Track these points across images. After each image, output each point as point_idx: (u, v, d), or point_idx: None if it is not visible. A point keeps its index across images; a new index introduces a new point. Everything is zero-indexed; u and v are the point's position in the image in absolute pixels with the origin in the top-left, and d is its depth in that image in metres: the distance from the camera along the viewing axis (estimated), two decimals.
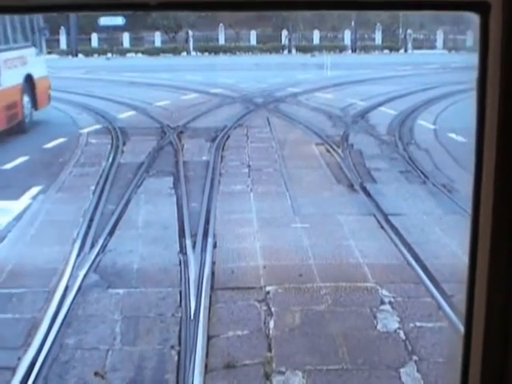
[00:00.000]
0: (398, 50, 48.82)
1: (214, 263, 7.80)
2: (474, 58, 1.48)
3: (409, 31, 49.13)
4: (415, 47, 48.69)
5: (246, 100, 22.07)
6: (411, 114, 19.04)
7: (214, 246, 8.34)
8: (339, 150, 14.03)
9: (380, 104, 20.86)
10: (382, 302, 6.77)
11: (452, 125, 16.15)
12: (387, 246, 8.31)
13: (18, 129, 15.30)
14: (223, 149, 14.22)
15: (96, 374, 5.59)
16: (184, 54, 43.82)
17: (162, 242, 8.51)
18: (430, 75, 30.27)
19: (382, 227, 9.04)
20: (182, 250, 8.23)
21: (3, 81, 14.64)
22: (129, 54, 44.87)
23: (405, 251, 8.06)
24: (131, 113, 19.56)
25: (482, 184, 1.51)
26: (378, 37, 49.85)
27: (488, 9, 1.43)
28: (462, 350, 1.59)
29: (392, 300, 6.82)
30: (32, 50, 16.78)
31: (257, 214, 9.62)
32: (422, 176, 11.90)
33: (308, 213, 9.69)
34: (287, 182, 11.36)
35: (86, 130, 16.63)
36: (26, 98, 16.15)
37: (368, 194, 10.67)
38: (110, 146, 14.66)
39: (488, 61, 1.45)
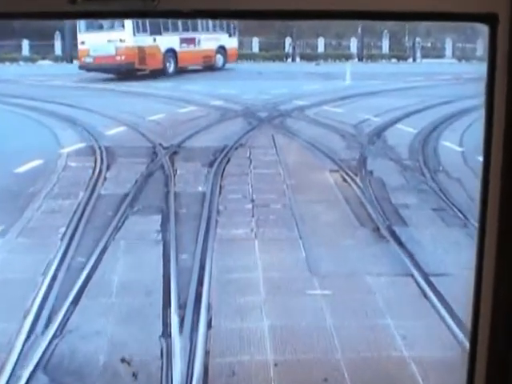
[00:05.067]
0: (406, 58, 46.77)
1: (207, 354, 5.79)
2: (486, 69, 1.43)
3: (417, 39, 47.19)
4: (423, 56, 46.78)
5: (249, 114, 20.07)
6: (432, 132, 17.04)
7: (209, 324, 6.33)
8: (357, 179, 12.02)
9: (396, 120, 18.85)
10: None
11: (480, 146, 14.10)
12: (437, 328, 6.29)
13: (210, 69, 30.61)
14: (222, 176, 12.20)
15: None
16: None
17: (139, 318, 6.50)
18: (444, 87, 28.27)
19: (426, 295, 7.03)
20: (166, 330, 6.22)
21: (202, 45, 30.50)
22: None
23: (462, 336, 6.04)
24: (121, 128, 17.55)
25: (489, 194, 1.60)
26: (385, 45, 47.85)
27: (496, 20, 1.52)
28: (466, 368, 1.64)
29: None
30: (225, 35, 31.80)
31: (264, 273, 7.61)
32: (461, 216, 9.88)
33: (328, 271, 7.68)
34: (299, 224, 9.35)
35: (66, 150, 14.63)
36: (219, 56, 31.58)
37: (399, 243, 8.66)
38: (91, 171, 12.64)
39: (496, 69, 1.56)
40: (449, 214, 10.04)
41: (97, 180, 11.92)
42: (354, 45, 46.16)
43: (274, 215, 9.83)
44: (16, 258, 8.19)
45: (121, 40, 28.41)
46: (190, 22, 30.09)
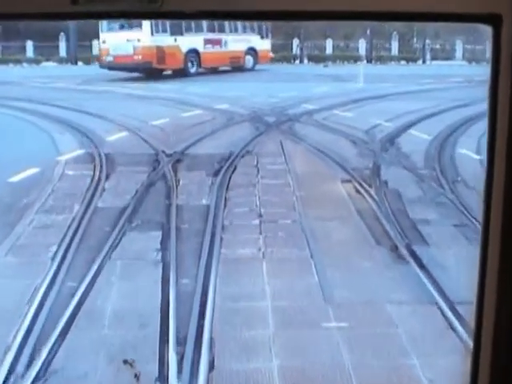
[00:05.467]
0: (415, 60, 46.05)
1: None
2: None
3: (427, 41, 46.42)
4: (432, 58, 46.01)
5: (256, 118, 19.36)
6: (448, 138, 16.29)
7: (211, 365, 5.60)
8: (371, 191, 11.28)
9: (409, 125, 18.10)
10: None
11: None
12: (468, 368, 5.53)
13: (239, 69, 31.53)
14: (228, 187, 11.48)
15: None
16: None
17: (133, 356, 5.77)
18: (456, 90, 27.52)
19: (453, 327, 6.30)
20: (163, 371, 5.51)
21: (229, 47, 31.47)
22: None
23: None
24: (122, 134, 16.86)
25: (493, 195, 1.58)
26: (395, 46, 47.09)
27: (500, 21, 1.50)
28: (470, 368, 1.64)
29: None
30: (257, 37, 32.92)
31: (272, 301, 6.88)
32: None
33: (344, 299, 6.95)
34: (311, 243, 8.62)
35: (64, 157, 13.94)
36: (249, 57, 32.60)
37: (421, 265, 7.92)
38: (89, 181, 11.94)
39: (500, 70, 1.53)
40: (471, 231, 9.28)
41: (94, 191, 11.22)
42: (362, 46, 45.41)
43: (283, 232, 9.10)
44: (2, 281, 7.49)
45: (138, 40, 29.20)
46: (216, 23, 30.43)
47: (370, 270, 7.75)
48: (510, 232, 1.56)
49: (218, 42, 31.97)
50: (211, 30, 31.51)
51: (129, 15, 1.53)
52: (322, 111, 20.88)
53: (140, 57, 29.36)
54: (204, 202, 10.59)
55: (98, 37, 44.13)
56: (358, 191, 11.36)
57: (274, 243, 8.65)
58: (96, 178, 12.14)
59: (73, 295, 6.96)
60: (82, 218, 9.65)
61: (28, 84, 28.47)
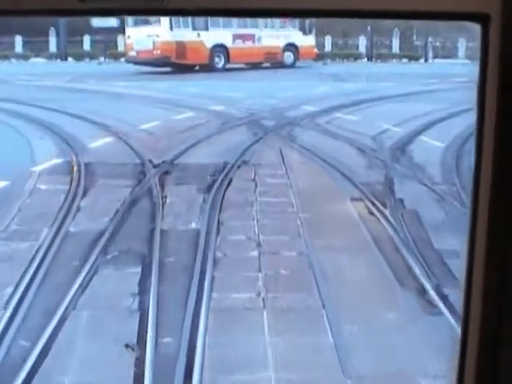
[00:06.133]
0: (417, 58, 44.70)
1: None
2: None
3: (430, 39, 45.01)
4: (434, 56, 44.66)
5: (253, 122, 17.88)
6: (463, 146, 14.81)
7: None
8: (386, 212, 9.81)
9: (420, 131, 16.66)
10: None
11: None
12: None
13: (277, 65, 31.26)
14: (221, 207, 10.00)
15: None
16: None
17: None
18: (463, 90, 25.84)
19: None
20: None
21: (264, 42, 31.55)
22: (122, 59, 40.70)
23: None
24: (107, 139, 15.39)
25: (480, 187, 1.60)
26: (396, 44, 45.64)
27: (488, 19, 1.51)
28: (457, 354, 1.62)
29: None
30: (298, 32, 32.42)
31: (276, 372, 5.40)
32: None
33: (366, 370, 5.47)
34: (321, 285, 7.13)
35: (39, 168, 12.44)
36: (288, 53, 32.41)
37: (456, 315, 6.45)
38: (63, 197, 10.45)
39: (488, 68, 1.52)
40: None
41: (68, 211, 9.72)
42: (362, 43, 43.96)
43: (287, 269, 7.58)
44: None
45: (157, 35, 29.80)
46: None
47: (395, 326, 6.27)
48: (496, 223, 1.52)
49: (249, 38, 31.83)
50: (242, 25, 31.14)
51: (135, 12, 1.61)
52: (324, 114, 19.43)
53: (159, 51, 29.82)
54: (194, 225, 9.10)
55: (89, 32, 42.82)
56: (370, 212, 9.89)
57: (277, 285, 7.14)
58: (71, 193, 10.66)
59: (23, 361, 5.48)
60: (48, 247, 8.13)
61: (14, 82, 27.01)
